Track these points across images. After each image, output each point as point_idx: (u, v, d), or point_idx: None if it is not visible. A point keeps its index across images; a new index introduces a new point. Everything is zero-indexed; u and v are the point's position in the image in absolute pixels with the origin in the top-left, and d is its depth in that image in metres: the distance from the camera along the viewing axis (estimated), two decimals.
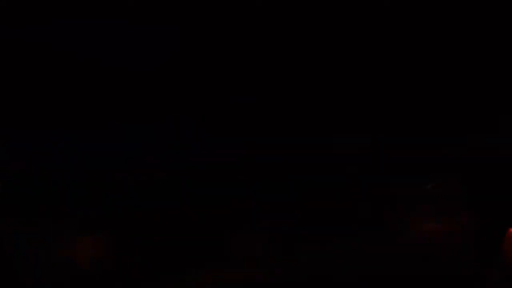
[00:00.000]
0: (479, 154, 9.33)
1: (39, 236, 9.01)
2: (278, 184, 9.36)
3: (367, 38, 9.79)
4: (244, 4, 9.48)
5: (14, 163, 9.27)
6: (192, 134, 9.85)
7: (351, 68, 9.82)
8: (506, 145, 9.35)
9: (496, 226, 8.35)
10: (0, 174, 9.12)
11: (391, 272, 8.81)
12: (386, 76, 9.66)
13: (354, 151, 9.43)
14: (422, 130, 9.52)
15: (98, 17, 9.24)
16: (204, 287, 8.82)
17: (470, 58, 9.69)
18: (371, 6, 9.57)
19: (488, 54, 9.65)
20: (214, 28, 9.63)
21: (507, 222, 8.26)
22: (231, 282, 8.85)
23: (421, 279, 8.59)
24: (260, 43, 9.74)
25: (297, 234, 9.15)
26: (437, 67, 9.70)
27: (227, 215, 9.34)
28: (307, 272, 8.92)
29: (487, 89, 9.55)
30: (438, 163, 9.36)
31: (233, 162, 9.58)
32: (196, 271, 8.99)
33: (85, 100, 9.59)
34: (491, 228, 8.35)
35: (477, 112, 9.49)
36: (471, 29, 9.58)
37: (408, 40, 9.68)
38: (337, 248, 8.98)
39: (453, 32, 9.63)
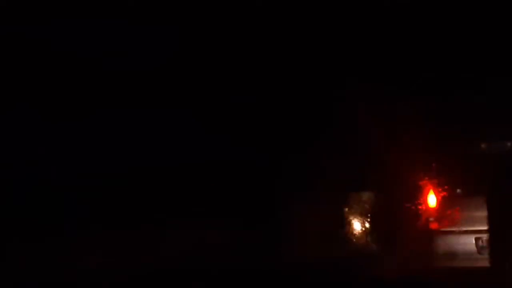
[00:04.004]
0: None
1: None
2: None
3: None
4: (244, 4, 9.48)
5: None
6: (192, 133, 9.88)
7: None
8: None
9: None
10: None
11: None
12: None
13: None
14: None
15: (98, 17, 9.23)
16: None
17: None
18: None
19: None
20: (213, 28, 9.63)
21: None
22: None
23: None
24: (259, 43, 9.74)
25: None
26: None
27: None
28: None
29: None
30: None
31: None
32: None
33: (85, 99, 9.59)
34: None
35: None
36: None
37: None
38: None
39: None
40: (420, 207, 9.41)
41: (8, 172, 9.09)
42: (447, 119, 9.57)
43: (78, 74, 9.49)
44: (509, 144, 8.84)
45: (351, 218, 10.29)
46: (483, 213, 8.56)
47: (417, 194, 9.47)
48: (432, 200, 9.29)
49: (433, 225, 9.21)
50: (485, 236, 8.56)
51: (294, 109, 10.02)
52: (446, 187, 9.22)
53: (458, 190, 9.15)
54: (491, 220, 8.31)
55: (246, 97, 9.86)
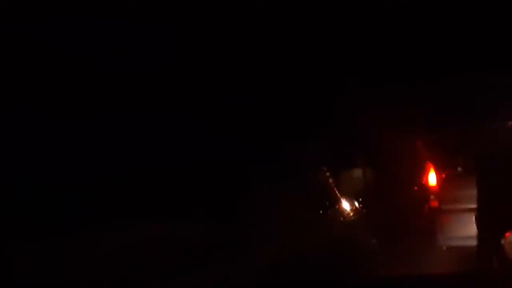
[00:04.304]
0: None
1: None
2: None
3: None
4: (244, 4, 9.49)
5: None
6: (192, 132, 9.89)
7: None
8: None
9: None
10: None
11: None
12: None
13: None
14: None
15: (98, 17, 9.24)
16: None
17: None
18: None
19: None
20: (213, 28, 9.64)
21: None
22: None
23: None
24: (259, 43, 9.75)
25: None
26: None
27: None
28: None
29: None
30: None
31: None
32: None
33: (85, 99, 9.59)
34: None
35: None
36: None
37: None
38: None
39: None
40: (420, 185, 9.36)
41: (8, 172, 9.09)
42: (448, 98, 9.55)
43: (78, 74, 9.49)
44: (510, 123, 8.80)
45: (341, 198, 10.16)
46: None
47: (417, 173, 9.43)
48: (432, 178, 9.25)
49: (434, 204, 9.17)
50: None
51: (293, 108, 10.04)
52: (446, 165, 9.17)
53: (459, 169, 9.12)
54: (479, 201, 8.29)
55: (246, 97, 9.88)
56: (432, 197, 9.16)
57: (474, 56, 9.55)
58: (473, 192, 8.53)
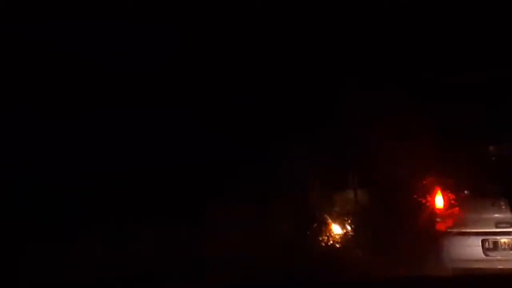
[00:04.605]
0: None
1: None
2: None
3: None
4: (244, 4, 9.49)
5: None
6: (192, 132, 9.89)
7: None
8: None
9: None
10: None
11: None
12: None
13: None
14: None
15: (98, 17, 9.24)
16: None
17: None
18: None
19: None
20: (213, 28, 9.64)
21: None
22: None
23: None
24: (259, 43, 9.75)
25: None
26: None
27: None
28: None
29: None
30: None
31: None
32: None
33: (85, 99, 9.60)
34: None
35: None
36: None
37: None
38: None
39: None
40: (427, 208, 9.36)
41: (8, 172, 9.10)
42: (454, 119, 9.55)
43: (78, 74, 9.50)
44: None
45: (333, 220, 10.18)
46: (490, 215, 8.56)
47: (425, 195, 9.43)
48: (439, 201, 9.24)
49: (440, 226, 9.16)
50: (491, 238, 8.56)
51: (293, 108, 10.04)
52: (453, 188, 9.17)
53: (466, 191, 9.13)
54: None
55: (246, 97, 9.88)
56: (438, 219, 9.17)
57: (474, 56, 9.55)
58: (480, 215, 8.58)
